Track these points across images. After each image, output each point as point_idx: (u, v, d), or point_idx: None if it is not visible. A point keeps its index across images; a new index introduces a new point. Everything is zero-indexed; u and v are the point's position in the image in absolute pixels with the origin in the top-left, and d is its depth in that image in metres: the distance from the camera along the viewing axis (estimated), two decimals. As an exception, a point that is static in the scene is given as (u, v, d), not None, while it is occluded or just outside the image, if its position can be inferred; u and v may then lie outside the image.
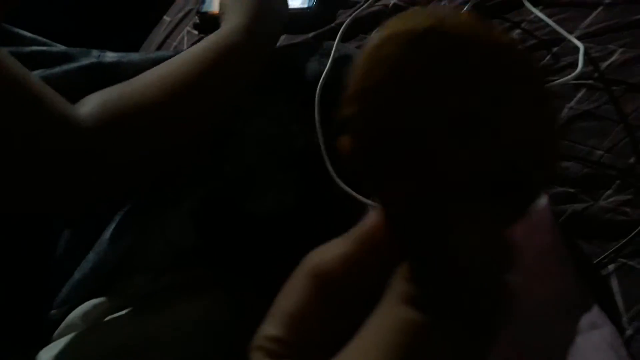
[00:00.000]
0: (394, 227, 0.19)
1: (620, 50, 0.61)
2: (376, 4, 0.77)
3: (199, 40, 0.76)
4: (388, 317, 0.17)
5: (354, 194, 0.56)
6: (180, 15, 0.94)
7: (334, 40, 0.73)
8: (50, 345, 0.44)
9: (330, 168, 0.57)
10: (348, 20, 0.71)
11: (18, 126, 0.41)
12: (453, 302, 0.17)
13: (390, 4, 0.77)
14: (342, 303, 0.19)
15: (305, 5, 0.81)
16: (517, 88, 0.17)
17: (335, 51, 0.64)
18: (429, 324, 0.17)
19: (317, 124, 0.58)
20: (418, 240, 0.18)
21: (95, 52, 0.63)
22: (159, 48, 0.92)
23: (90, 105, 0.45)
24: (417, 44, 0.17)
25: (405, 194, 0.18)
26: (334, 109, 0.59)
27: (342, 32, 0.69)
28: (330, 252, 0.20)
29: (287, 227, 0.58)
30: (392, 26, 0.17)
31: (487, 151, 0.17)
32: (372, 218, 0.20)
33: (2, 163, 0.40)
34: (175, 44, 0.90)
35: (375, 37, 0.18)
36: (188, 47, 0.82)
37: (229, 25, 0.58)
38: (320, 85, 0.60)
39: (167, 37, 0.92)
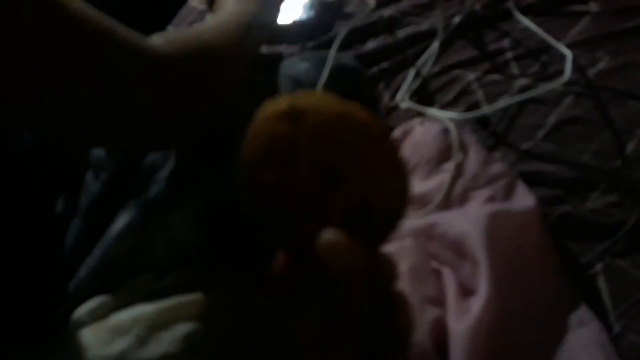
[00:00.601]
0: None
1: (607, 57, 0.63)
2: (372, 14, 0.79)
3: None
4: None
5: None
6: (184, 25, 0.97)
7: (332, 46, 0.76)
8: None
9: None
10: (344, 31, 0.73)
11: (99, 55, 0.44)
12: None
13: (387, 15, 0.79)
14: None
15: (305, 17, 0.83)
16: (365, 145, 0.22)
17: (331, 60, 0.66)
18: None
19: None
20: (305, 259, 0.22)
21: None
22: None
23: (161, 40, 0.50)
24: (281, 120, 0.22)
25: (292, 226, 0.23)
26: None
27: (338, 42, 0.71)
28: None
29: None
30: (268, 107, 0.23)
31: (346, 192, 0.22)
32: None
33: (87, 91, 0.44)
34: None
35: (256, 116, 0.23)
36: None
37: (235, 7, 0.63)
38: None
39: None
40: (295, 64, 0.67)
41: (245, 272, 0.59)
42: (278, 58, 0.71)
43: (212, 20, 0.61)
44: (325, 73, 0.64)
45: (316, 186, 0.22)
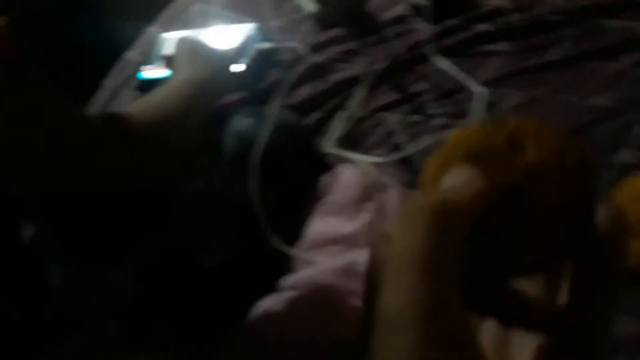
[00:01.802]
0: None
1: (517, 94, 0.67)
2: (304, 62, 0.83)
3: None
4: None
5: (287, 249, 0.60)
6: (120, 79, 0.99)
7: (268, 97, 0.79)
8: None
9: (265, 226, 0.61)
10: (284, 85, 0.77)
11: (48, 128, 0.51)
12: None
13: (317, 62, 0.83)
14: None
15: (243, 67, 0.86)
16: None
17: (272, 116, 0.69)
18: None
19: (256, 186, 0.63)
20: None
21: None
22: (100, 112, 0.96)
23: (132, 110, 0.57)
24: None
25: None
26: (271, 172, 0.64)
27: (279, 99, 0.74)
28: None
29: (227, 279, 0.62)
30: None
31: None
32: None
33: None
34: (117, 108, 0.95)
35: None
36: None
37: (189, 74, 0.68)
38: (259, 150, 0.65)
39: (108, 101, 0.96)
40: (240, 121, 0.71)
41: (185, 323, 0.60)
42: (223, 113, 0.74)
43: (168, 87, 0.66)
44: (266, 130, 0.67)
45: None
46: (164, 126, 0.60)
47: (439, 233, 0.18)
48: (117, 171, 0.55)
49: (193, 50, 0.74)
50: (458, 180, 0.19)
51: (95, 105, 0.98)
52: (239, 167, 0.65)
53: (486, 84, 0.69)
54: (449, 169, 0.20)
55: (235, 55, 0.81)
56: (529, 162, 0.20)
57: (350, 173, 0.62)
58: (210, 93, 0.71)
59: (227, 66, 0.77)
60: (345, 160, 0.68)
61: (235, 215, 0.63)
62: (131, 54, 1.03)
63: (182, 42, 0.77)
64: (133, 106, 0.62)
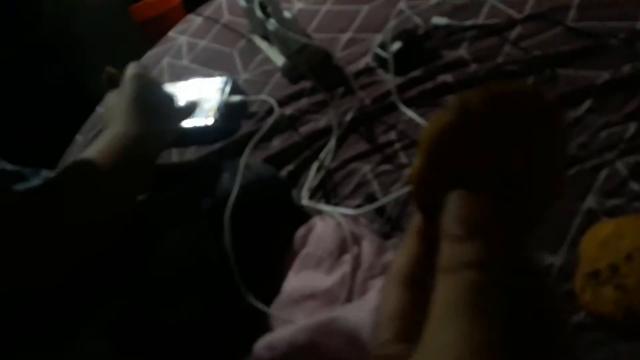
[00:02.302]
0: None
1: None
2: (274, 114, 0.84)
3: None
4: (452, 285, 0.21)
5: (262, 306, 0.60)
6: (92, 134, 0.99)
7: (241, 149, 0.80)
8: None
9: (240, 282, 0.61)
10: (253, 140, 0.78)
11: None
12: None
13: (287, 114, 0.85)
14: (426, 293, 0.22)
15: (211, 121, 0.87)
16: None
17: (244, 169, 0.70)
18: (490, 280, 0.21)
19: (228, 242, 0.63)
20: None
21: (44, 173, 0.70)
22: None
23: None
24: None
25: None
26: (246, 226, 0.64)
27: (249, 151, 0.75)
28: (401, 257, 0.25)
29: (199, 338, 0.61)
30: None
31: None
32: (415, 222, 0.25)
33: None
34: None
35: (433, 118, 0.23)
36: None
37: (118, 129, 0.65)
38: (230, 205, 0.65)
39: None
40: (210, 175, 0.71)
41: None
42: (190, 166, 0.74)
43: (98, 145, 0.63)
44: (238, 184, 0.67)
45: (483, 182, 0.23)
46: (96, 186, 0.59)
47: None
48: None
49: (130, 100, 0.68)
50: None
51: (68, 161, 0.97)
52: (213, 222, 0.65)
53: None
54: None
55: (183, 111, 0.78)
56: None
57: (325, 225, 0.63)
58: (143, 153, 0.66)
59: (171, 121, 0.74)
60: (319, 212, 0.69)
61: (209, 272, 0.63)
62: (101, 109, 1.03)
63: (120, 89, 0.71)
64: (63, 170, 0.60)
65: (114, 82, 0.74)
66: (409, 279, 0.25)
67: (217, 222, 0.64)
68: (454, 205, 0.22)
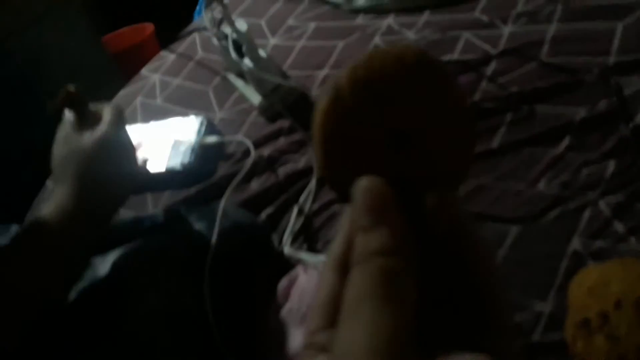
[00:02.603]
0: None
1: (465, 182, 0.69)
2: (251, 157, 0.82)
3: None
4: (360, 275, 0.21)
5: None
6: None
7: (218, 193, 0.78)
8: None
9: (218, 339, 0.59)
10: (230, 186, 0.75)
11: None
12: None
13: (265, 155, 0.83)
14: None
15: (185, 163, 0.85)
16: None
17: (221, 216, 0.68)
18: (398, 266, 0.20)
19: (207, 297, 0.60)
20: None
21: (14, 228, 0.68)
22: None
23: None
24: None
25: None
26: (224, 279, 0.61)
27: (226, 197, 0.73)
28: (336, 243, 0.25)
29: None
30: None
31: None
32: (346, 217, 0.25)
33: None
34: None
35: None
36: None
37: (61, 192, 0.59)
38: (209, 258, 0.63)
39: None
40: (186, 227, 0.69)
41: None
42: (171, 216, 0.72)
43: (54, 205, 0.58)
44: (217, 235, 0.65)
45: (381, 148, 0.22)
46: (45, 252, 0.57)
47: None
48: None
49: (72, 154, 0.61)
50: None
51: (39, 208, 0.94)
52: (191, 275, 0.63)
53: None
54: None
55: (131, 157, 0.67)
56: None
57: (308, 279, 0.61)
58: (100, 212, 0.61)
59: (124, 169, 0.64)
60: (302, 261, 0.67)
61: (189, 330, 0.61)
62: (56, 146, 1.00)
63: (60, 143, 0.63)
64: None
65: (73, 105, 0.63)
66: (342, 265, 0.24)
67: (195, 275, 0.62)
68: (358, 196, 0.22)
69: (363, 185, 0.22)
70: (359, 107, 0.22)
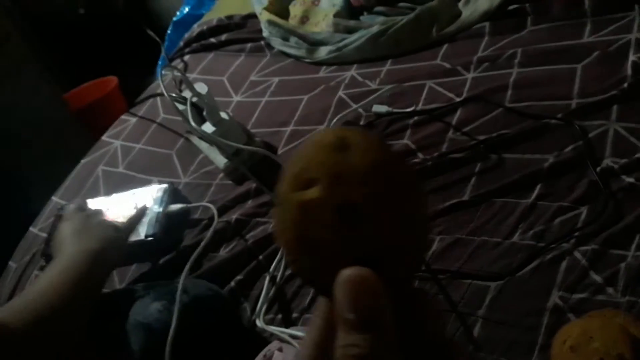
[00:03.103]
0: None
1: (438, 238, 0.67)
2: (219, 221, 0.79)
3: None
4: None
5: None
6: (27, 259, 0.91)
7: (184, 263, 0.74)
8: None
9: None
10: (191, 258, 0.71)
11: None
12: None
13: (233, 219, 0.80)
14: None
15: (150, 234, 0.82)
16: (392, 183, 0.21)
17: (182, 294, 0.64)
18: None
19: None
20: None
21: None
22: (9, 297, 0.87)
23: (6, 313, 0.55)
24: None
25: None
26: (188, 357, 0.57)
27: (186, 271, 0.69)
28: (305, 343, 0.23)
29: None
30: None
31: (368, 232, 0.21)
32: (321, 306, 0.23)
33: None
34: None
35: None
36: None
37: (76, 249, 0.66)
38: (170, 342, 0.59)
39: (15, 285, 0.88)
40: (145, 308, 0.64)
41: None
42: (130, 299, 0.68)
43: (50, 273, 0.63)
44: (175, 317, 0.61)
45: (332, 225, 0.21)
46: (46, 322, 0.56)
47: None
48: None
49: (76, 224, 0.71)
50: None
51: (1, 292, 0.89)
52: None
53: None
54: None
55: (128, 224, 0.77)
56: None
57: (283, 355, 0.58)
58: (102, 265, 0.67)
59: (119, 234, 0.74)
60: (275, 336, 0.64)
61: None
62: (35, 230, 0.96)
63: (64, 219, 0.74)
64: (10, 306, 0.58)
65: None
66: (321, 350, 0.23)
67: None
68: (343, 290, 0.20)
69: (347, 275, 0.20)
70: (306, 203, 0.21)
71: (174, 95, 0.86)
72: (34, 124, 1.74)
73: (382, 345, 0.20)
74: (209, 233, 0.75)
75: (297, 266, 0.22)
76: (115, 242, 0.72)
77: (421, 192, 0.23)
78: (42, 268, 0.88)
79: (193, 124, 0.76)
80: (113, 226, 0.74)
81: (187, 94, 0.86)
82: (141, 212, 0.80)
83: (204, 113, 0.83)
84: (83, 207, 0.78)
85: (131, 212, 0.84)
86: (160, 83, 0.77)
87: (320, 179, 0.21)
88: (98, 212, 0.78)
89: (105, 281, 0.67)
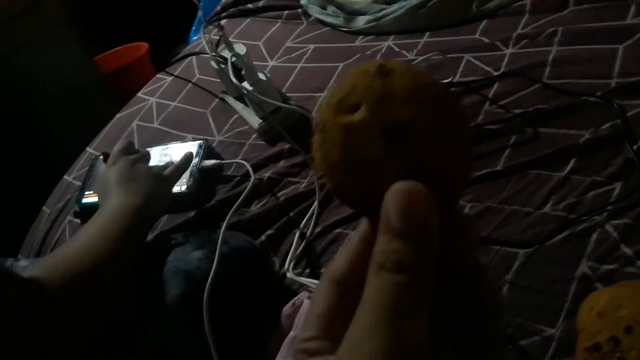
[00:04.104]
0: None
1: (469, 205, 0.68)
2: (251, 178, 0.81)
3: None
4: (383, 286, 0.19)
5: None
6: (60, 205, 0.94)
7: (217, 217, 0.76)
8: None
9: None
10: (231, 211, 0.73)
11: None
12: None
13: (265, 177, 0.82)
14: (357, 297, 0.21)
15: (184, 188, 0.84)
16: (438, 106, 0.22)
17: (221, 244, 0.66)
18: (423, 286, 0.20)
19: (208, 330, 0.58)
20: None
21: (9, 261, 0.66)
22: (41, 243, 0.90)
23: (40, 270, 0.54)
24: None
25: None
26: (225, 309, 0.59)
27: (226, 224, 0.71)
28: (339, 258, 0.25)
29: None
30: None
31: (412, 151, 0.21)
32: (361, 226, 0.24)
33: None
34: (57, 237, 0.89)
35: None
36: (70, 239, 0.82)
37: (119, 202, 0.65)
38: (208, 289, 0.60)
39: (48, 230, 0.91)
40: (185, 255, 0.66)
41: None
42: (164, 246, 0.69)
43: (91, 228, 0.62)
44: (216, 265, 0.63)
45: (379, 144, 0.21)
46: (87, 279, 0.56)
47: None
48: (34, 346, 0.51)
49: (122, 172, 0.70)
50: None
51: (34, 236, 0.92)
52: (192, 310, 0.60)
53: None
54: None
55: (174, 174, 0.78)
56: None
57: (312, 304, 0.59)
58: (145, 218, 0.67)
59: (164, 187, 0.74)
60: (305, 286, 0.66)
61: None
62: (69, 178, 0.99)
63: (110, 162, 0.74)
64: (46, 261, 0.58)
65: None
66: (343, 281, 0.24)
67: (194, 309, 0.60)
68: (394, 199, 0.20)
69: (400, 185, 0.20)
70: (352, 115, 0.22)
71: (214, 54, 0.87)
72: (65, 86, 1.77)
73: (425, 259, 0.20)
74: (247, 186, 0.77)
75: (342, 189, 0.22)
76: (160, 196, 0.72)
77: (462, 112, 0.23)
78: (75, 214, 0.91)
79: (235, 80, 0.77)
80: (159, 176, 0.74)
81: (225, 54, 0.87)
82: (187, 161, 0.81)
83: (242, 72, 0.84)
84: (130, 149, 0.76)
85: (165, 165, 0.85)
86: (203, 39, 0.78)
87: (365, 102, 0.21)
88: (145, 156, 0.77)
89: (146, 237, 0.68)
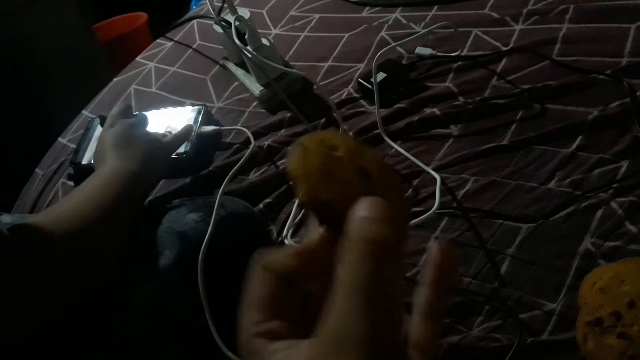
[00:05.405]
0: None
1: (472, 179, 0.67)
2: (250, 147, 0.79)
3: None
4: (359, 257, 0.23)
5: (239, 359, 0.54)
6: (54, 167, 0.92)
7: (214, 183, 0.75)
8: None
9: (215, 334, 0.56)
10: (229, 176, 0.72)
11: None
12: None
13: (265, 145, 0.80)
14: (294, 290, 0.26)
15: (182, 152, 0.82)
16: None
17: (218, 207, 0.64)
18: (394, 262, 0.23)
19: (202, 291, 0.57)
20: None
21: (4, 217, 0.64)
22: (33, 204, 0.88)
23: (42, 218, 0.55)
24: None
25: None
26: (220, 271, 0.58)
27: (223, 187, 0.69)
28: (280, 253, 0.28)
29: None
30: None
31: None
32: (314, 235, 0.28)
33: None
34: (49, 198, 0.87)
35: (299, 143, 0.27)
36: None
37: (115, 167, 0.64)
38: (203, 250, 0.59)
39: (41, 192, 0.89)
40: (181, 217, 0.65)
41: None
42: (162, 209, 0.68)
43: (89, 183, 0.62)
44: (212, 227, 0.62)
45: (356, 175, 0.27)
46: (83, 234, 0.56)
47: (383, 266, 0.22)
48: (30, 292, 0.51)
49: (119, 136, 0.69)
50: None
51: (26, 198, 0.90)
52: (185, 271, 0.59)
53: (438, 169, 0.69)
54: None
55: (173, 143, 0.77)
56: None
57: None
58: (141, 185, 0.66)
59: (162, 154, 0.73)
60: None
61: (184, 327, 0.57)
62: (63, 140, 0.97)
63: (107, 125, 0.73)
64: (47, 212, 0.58)
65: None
66: (283, 274, 0.27)
67: (189, 270, 0.59)
68: (367, 200, 0.24)
69: (367, 198, 0.25)
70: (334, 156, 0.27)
71: (217, 16, 0.84)
72: (61, 51, 1.74)
73: (391, 239, 0.23)
74: (246, 153, 0.75)
75: (315, 190, 0.26)
76: (157, 162, 0.71)
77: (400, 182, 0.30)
78: (69, 176, 0.89)
79: (238, 42, 0.75)
80: (157, 142, 0.73)
81: (229, 19, 0.85)
82: (187, 132, 0.80)
83: (246, 37, 0.82)
84: (128, 112, 0.76)
85: (164, 131, 0.84)
86: (208, 2, 0.75)
87: (342, 148, 0.27)
88: (142, 120, 0.76)
89: (144, 201, 0.67)
